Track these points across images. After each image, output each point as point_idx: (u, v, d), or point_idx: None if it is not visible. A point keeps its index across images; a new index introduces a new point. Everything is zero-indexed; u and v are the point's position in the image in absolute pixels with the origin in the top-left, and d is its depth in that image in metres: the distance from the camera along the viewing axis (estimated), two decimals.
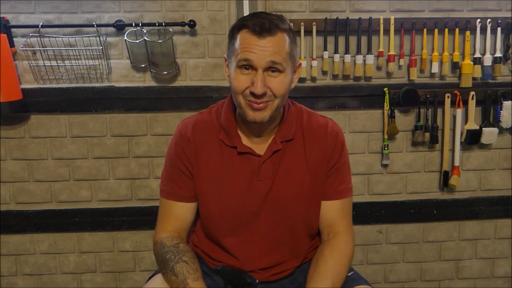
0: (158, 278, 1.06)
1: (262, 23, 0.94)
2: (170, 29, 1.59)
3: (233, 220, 1.07)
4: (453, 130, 1.75)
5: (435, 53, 1.69)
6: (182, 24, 1.61)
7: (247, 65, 0.96)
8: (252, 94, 0.96)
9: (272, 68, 0.96)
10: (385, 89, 1.69)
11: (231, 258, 1.09)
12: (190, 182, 1.08)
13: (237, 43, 0.97)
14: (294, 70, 1.03)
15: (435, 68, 1.70)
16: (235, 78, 0.98)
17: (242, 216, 1.06)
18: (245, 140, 1.06)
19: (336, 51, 1.67)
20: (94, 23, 1.58)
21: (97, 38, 1.59)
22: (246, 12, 1.56)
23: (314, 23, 1.64)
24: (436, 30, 1.68)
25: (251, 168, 1.05)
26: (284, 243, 1.09)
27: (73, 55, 1.63)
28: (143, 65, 1.65)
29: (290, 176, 1.06)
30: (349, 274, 1.10)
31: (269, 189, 1.05)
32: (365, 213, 1.79)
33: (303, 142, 1.08)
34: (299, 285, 1.13)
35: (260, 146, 1.06)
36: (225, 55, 1.06)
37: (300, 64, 1.08)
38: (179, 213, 1.09)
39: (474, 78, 1.72)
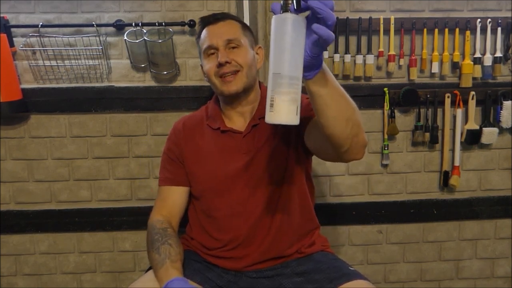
0: (145, 277, 1.13)
1: (214, 14, 1.17)
2: (170, 29, 1.59)
3: (221, 191, 1.15)
4: (453, 130, 1.75)
5: (435, 53, 1.69)
6: (182, 24, 1.61)
7: (211, 51, 1.13)
8: (219, 65, 1.10)
9: (230, 44, 1.12)
10: (385, 89, 1.69)
11: (227, 237, 1.16)
12: (181, 168, 1.22)
13: (201, 38, 1.17)
14: (256, 52, 1.20)
15: (435, 68, 1.70)
16: (206, 65, 1.15)
17: (229, 185, 1.15)
18: (228, 123, 1.20)
19: (336, 51, 1.67)
20: (94, 23, 1.58)
21: (97, 38, 1.59)
22: (246, 12, 1.56)
23: None
24: (436, 30, 1.67)
25: (234, 143, 1.17)
26: (272, 216, 1.14)
27: (73, 55, 1.63)
28: (143, 65, 1.65)
29: (271, 148, 1.14)
30: (351, 269, 1.11)
31: (251, 159, 1.14)
32: (365, 213, 1.79)
33: None
34: (297, 275, 1.14)
35: (241, 126, 1.19)
36: (200, 63, 1.22)
37: (260, 46, 1.22)
38: (171, 197, 1.21)
39: (474, 78, 1.71)
